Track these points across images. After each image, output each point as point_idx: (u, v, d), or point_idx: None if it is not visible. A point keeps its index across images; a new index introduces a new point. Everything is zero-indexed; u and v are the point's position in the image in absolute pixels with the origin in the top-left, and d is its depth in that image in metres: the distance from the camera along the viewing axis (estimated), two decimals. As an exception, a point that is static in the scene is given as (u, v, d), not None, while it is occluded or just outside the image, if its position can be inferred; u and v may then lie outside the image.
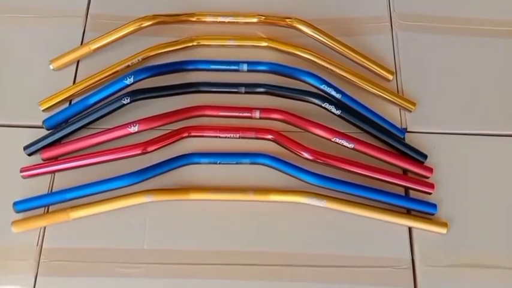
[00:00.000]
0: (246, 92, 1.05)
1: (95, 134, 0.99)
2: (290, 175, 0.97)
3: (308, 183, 0.96)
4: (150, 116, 1.00)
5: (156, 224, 0.96)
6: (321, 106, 1.01)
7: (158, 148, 0.99)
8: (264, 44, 1.09)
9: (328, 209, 0.95)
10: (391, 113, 1.05)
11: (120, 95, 1.01)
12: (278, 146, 1.01)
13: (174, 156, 0.99)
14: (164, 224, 0.96)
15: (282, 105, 1.03)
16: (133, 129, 0.98)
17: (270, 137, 1.01)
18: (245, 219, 0.96)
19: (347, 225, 0.95)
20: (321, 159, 0.97)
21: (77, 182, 0.96)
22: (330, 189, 0.95)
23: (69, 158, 0.98)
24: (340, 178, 0.96)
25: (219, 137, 1.01)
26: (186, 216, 0.97)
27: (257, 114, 1.03)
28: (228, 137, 1.01)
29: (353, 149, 0.98)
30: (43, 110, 1.02)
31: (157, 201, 0.96)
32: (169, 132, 1.00)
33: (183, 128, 1.01)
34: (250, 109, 1.03)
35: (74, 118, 1.01)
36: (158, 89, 1.03)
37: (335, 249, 0.94)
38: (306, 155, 0.98)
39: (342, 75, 1.06)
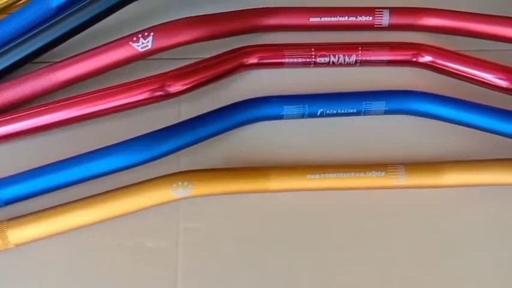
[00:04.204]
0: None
1: (66, 61, 0.47)
2: (476, 127, 0.47)
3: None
4: (180, 19, 0.48)
5: (201, 248, 0.45)
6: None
7: (192, 87, 0.47)
8: None
9: None
10: None
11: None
12: (429, 78, 0.50)
13: (226, 105, 0.48)
14: (219, 247, 0.45)
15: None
16: (144, 44, 0.46)
17: (426, 57, 0.49)
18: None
19: None
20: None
21: (23, 165, 0.44)
22: None
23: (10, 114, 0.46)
24: None
25: (314, 63, 0.50)
26: (265, 227, 0.46)
27: (386, 18, 0.51)
28: (333, 64, 0.50)
29: None
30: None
31: (200, 196, 0.44)
32: (214, 57, 0.49)
33: (241, 48, 0.50)
34: (370, 10, 0.52)
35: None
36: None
37: None
38: (497, 80, 0.47)
39: None
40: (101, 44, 0.47)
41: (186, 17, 0.48)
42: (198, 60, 0.48)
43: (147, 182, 0.43)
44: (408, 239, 0.46)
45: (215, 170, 0.45)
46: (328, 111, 0.49)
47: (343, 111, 0.49)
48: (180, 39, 0.47)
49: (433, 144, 0.49)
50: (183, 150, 0.47)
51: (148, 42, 0.46)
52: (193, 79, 0.48)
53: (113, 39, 0.47)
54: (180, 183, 0.43)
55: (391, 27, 0.52)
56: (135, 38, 0.46)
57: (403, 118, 0.49)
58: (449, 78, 0.50)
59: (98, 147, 0.46)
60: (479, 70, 0.49)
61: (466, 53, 0.50)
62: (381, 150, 0.49)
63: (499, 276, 0.45)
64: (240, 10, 0.51)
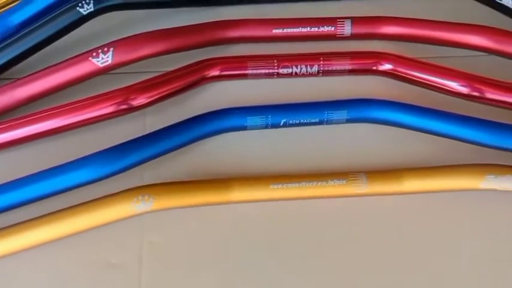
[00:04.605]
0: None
1: (26, 78, 0.47)
2: (436, 133, 0.47)
3: (479, 144, 0.46)
4: (140, 33, 0.48)
5: (165, 262, 0.45)
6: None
7: (156, 100, 0.47)
8: None
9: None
10: None
11: (76, 0, 0.49)
12: (392, 87, 0.50)
13: (189, 117, 0.48)
14: (182, 261, 0.45)
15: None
16: (104, 59, 0.46)
17: (386, 66, 0.50)
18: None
19: None
20: (486, 93, 0.48)
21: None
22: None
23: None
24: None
25: (277, 74, 0.50)
26: (229, 239, 0.46)
27: (347, 27, 0.52)
28: (296, 74, 0.50)
29: None
30: None
31: (161, 210, 0.44)
32: (177, 70, 0.49)
33: (204, 61, 0.50)
34: (332, 20, 0.52)
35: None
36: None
37: None
38: (457, 86, 0.48)
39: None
40: (62, 60, 0.47)
41: (147, 32, 0.48)
42: (162, 73, 0.49)
43: (108, 197, 0.43)
44: (371, 246, 0.46)
45: (176, 183, 0.45)
46: (291, 121, 0.49)
47: (305, 121, 0.49)
48: (141, 53, 0.47)
49: (395, 151, 0.49)
50: (147, 164, 0.47)
51: (108, 57, 0.46)
52: (156, 92, 0.48)
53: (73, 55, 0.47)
54: (140, 198, 0.43)
55: (354, 37, 0.53)
56: (94, 54, 0.46)
57: (366, 126, 0.50)
58: (411, 85, 0.51)
59: (62, 163, 0.46)
60: (439, 77, 0.49)
61: (426, 61, 0.50)
62: (344, 159, 0.49)
63: (461, 280, 0.45)
64: (203, 23, 0.52)
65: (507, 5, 0.50)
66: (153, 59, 0.49)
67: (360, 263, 0.46)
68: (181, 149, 0.48)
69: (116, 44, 0.46)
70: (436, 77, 0.49)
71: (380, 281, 0.45)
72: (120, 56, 0.46)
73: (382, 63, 0.50)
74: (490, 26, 0.50)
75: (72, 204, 0.45)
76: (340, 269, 0.46)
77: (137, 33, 0.48)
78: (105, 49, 0.46)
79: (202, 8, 0.54)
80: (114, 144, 0.46)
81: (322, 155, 0.50)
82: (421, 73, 0.49)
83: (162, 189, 0.44)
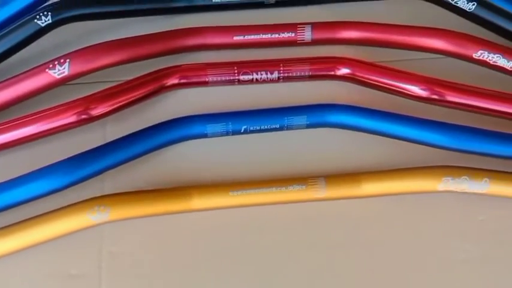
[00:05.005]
0: (278, 2, 0.55)
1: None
2: (393, 136, 0.48)
3: (435, 146, 0.47)
4: (97, 44, 0.48)
5: (125, 272, 0.45)
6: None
7: (115, 109, 0.48)
8: None
9: None
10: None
11: (33, 12, 0.49)
12: (351, 91, 0.51)
13: (150, 125, 0.48)
14: (143, 271, 0.45)
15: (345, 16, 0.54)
16: (61, 71, 0.46)
17: (344, 71, 0.50)
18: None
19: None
20: (446, 96, 0.48)
21: None
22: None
23: None
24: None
25: (238, 81, 0.51)
26: (190, 248, 0.46)
27: (308, 33, 0.52)
28: (256, 81, 0.51)
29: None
30: None
31: (119, 220, 0.44)
32: (137, 78, 0.49)
33: (163, 70, 0.50)
34: (293, 26, 0.53)
35: None
36: (110, 0, 0.52)
37: None
38: (417, 90, 0.48)
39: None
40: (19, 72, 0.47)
41: (104, 42, 0.48)
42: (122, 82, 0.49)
43: (64, 208, 0.43)
44: (331, 250, 0.46)
45: (134, 192, 0.45)
46: (251, 128, 0.49)
47: (266, 127, 0.49)
48: (98, 63, 0.47)
49: (355, 155, 0.49)
50: (108, 173, 0.47)
51: (64, 68, 0.46)
52: (116, 101, 0.48)
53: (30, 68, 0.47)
54: (96, 208, 0.43)
55: (315, 42, 0.53)
56: (51, 65, 0.46)
57: (327, 131, 0.50)
58: (372, 89, 0.51)
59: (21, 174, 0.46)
60: (397, 81, 0.49)
61: (385, 64, 0.51)
62: (305, 164, 0.49)
63: (421, 281, 0.46)
64: (164, 32, 0.52)
65: (462, 7, 0.50)
66: (115, 68, 0.50)
67: (320, 268, 0.46)
68: (142, 158, 0.48)
69: (72, 56, 0.46)
70: (394, 80, 0.49)
71: (341, 285, 0.45)
72: (76, 66, 0.47)
73: (340, 68, 0.50)
74: (447, 28, 0.50)
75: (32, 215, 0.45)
76: (301, 274, 0.46)
77: (95, 43, 0.48)
78: (62, 60, 0.46)
79: (164, 17, 0.54)
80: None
81: (283, 161, 0.50)
82: (379, 77, 0.50)
83: (119, 199, 0.44)
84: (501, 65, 0.49)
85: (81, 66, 0.47)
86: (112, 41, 0.49)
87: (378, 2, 0.55)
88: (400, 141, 0.48)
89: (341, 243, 0.47)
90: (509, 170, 0.46)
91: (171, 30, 0.52)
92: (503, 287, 0.46)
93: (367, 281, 0.46)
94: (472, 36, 0.49)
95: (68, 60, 0.46)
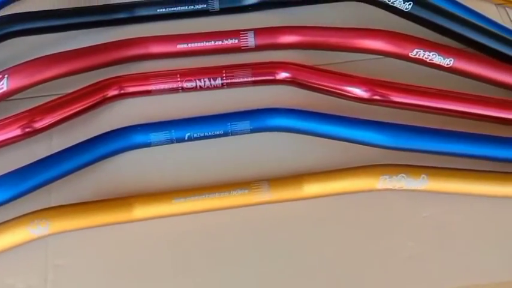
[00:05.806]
0: (222, 10, 0.56)
1: None
2: (334, 138, 0.48)
3: (376, 145, 0.47)
4: (36, 58, 0.49)
5: (70, 285, 0.45)
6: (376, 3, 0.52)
7: (59, 121, 0.48)
8: None
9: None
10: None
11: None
12: (293, 94, 0.51)
13: (93, 136, 0.48)
14: (88, 283, 0.45)
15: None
16: (-1, 86, 0.47)
17: (284, 75, 0.51)
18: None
19: None
20: (387, 96, 0.49)
21: None
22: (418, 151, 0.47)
23: None
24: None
25: (182, 89, 0.51)
26: (135, 259, 0.46)
27: (251, 39, 0.53)
28: (200, 88, 0.51)
29: (450, 68, 0.49)
30: None
31: (64, 232, 0.44)
32: (78, 90, 0.49)
33: (105, 80, 0.51)
34: (235, 33, 0.53)
35: None
36: (52, 14, 0.52)
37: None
38: (358, 91, 0.49)
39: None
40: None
41: (43, 56, 0.48)
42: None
43: (5, 223, 0.43)
44: (276, 253, 0.46)
45: (75, 205, 0.45)
46: (195, 135, 0.49)
47: (210, 133, 0.49)
48: (38, 78, 0.48)
49: (299, 157, 0.50)
50: (54, 185, 0.47)
51: (3, 84, 0.46)
52: (59, 113, 0.48)
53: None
54: (36, 222, 0.43)
55: (258, 48, 0.54)
56: (-12, 79, 0.47)
57: (271, 135, 0.50)
58: (316, 93, 0.52)
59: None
60: (338, 83, 0.50)
61: (324, 67, 0.51)
62: (250, 169, 0.49)
63: (366, 279, 0.46)
64: (107, 43, 0.52)
65: (399, 7, 0.51)
66: (59, 81, 0.50)
67: (267, 271, 0.46)
68: (87, 168, 0.48)
69: (9, 71, 0.47)
70: (335, 83, 0.50)
71: (287, 286, 0.46)
72: (15, 82, 0.47)
73: (279, 72, 0.51)
74: (385, 29, 0.51)
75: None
76: (250, 278, 0.46)
77: (34, 57, 0.48)
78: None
79: (107, 28, 0.55)
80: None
81: (229, 167, 0.50)
82: (319, 80, 0.50)
83: (59, 212, 0.44)
84: (437, 62, 0.50)
85: (20, 81, 0.47)
86: (53, 54, 0.49)
87: (319, 5, 0.56)
88: (341, 142, 0.49)
89: (286, 244, 0.47)
90: (448, 166, 0.47)
91: (113, 41, 0.52)
92: (448, 283, 0.47)
93: (312, 281, 0.46)
94: (407, 35, 0.50)
95: (6, 75, 0.47)
